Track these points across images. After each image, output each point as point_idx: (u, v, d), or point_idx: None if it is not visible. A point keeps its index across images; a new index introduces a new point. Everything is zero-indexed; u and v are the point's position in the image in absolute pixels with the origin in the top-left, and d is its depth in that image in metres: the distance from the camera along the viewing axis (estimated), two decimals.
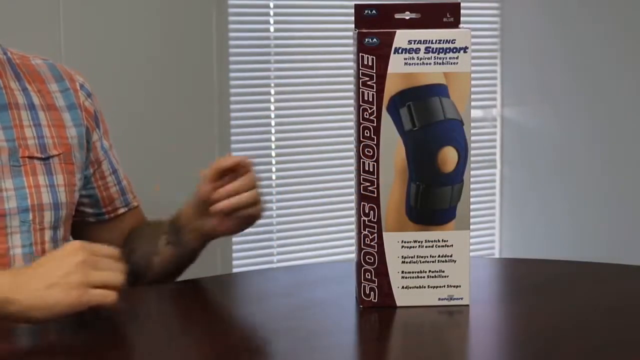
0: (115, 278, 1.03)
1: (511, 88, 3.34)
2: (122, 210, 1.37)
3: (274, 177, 2.91)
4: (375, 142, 1.07)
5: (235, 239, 2.86)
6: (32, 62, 1.30)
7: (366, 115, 1.07)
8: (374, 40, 1.06)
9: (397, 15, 1.09)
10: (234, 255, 2.84)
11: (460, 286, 1.10)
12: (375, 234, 1.09)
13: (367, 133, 1.07)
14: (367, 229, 1.08)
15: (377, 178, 1.08)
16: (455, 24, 1.11)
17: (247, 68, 2.86)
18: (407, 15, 1.09)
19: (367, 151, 1.07)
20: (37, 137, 1.23)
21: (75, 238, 1.34)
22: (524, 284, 1.25)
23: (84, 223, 1.35)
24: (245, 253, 2.91)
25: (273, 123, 2.93)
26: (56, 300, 0.98)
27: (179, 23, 2.61)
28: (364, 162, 1.08)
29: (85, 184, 1.32)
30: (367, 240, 1.09)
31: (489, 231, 3.38)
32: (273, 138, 2.91)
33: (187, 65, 2.64)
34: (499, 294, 1.25)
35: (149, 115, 2.47)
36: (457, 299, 1.10)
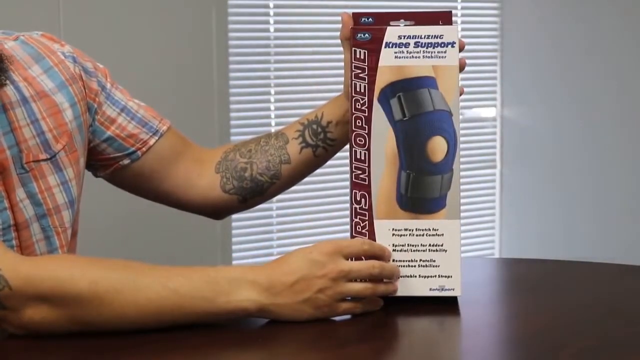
0: (366, 290, 1.05)
1: (511, 88, 3.34)
2: (152, 141, 1.30)
3: None
4: (366, 132, 1.11)
5: (235, 238, 2.87)
6: (6, 47, 1.19)
7: (358, 105, 1.11)
8: (366, 35, 1.11)
9: (392, 23, 1.14)
10: (234, 255, 2.85)
11: (451, 276, 1.11)
12: (367, 221, 1.11)
13: (359, 123, 1.11)
14: (358, 217, 1.11)
15: (369, 166, 1.11)
16: None
17: (247, 68, 2.87)
18: (402, 23, 1.14)
19: (359, 140, 1.11)
20: (37, 135, 1.17)
21: (125, 185, 1.33)
22: (523, 284, 1.25)
23: (122, 168, 1.29)
24: (245, 253, 2.92)
25: (273, 123, 2.93)
26: (307, 315, 1.03)
27: (179, 23, 2.61)
28: (356, 151, 1.11)
29: (94, 131, 1.27)
30: (359, 228, 1.11)
31: (489, 231, 3.38)
32: None
33: (187, 65, 2.64)
34: (498, 294, 1.25)
35: None
36: (449, 289, 1.11)
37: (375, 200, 1.11)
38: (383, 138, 1.11)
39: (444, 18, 1.15)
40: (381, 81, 1.11)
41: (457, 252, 1.12)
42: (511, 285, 1.28)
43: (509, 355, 0.99)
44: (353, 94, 1.11)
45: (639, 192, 3.04)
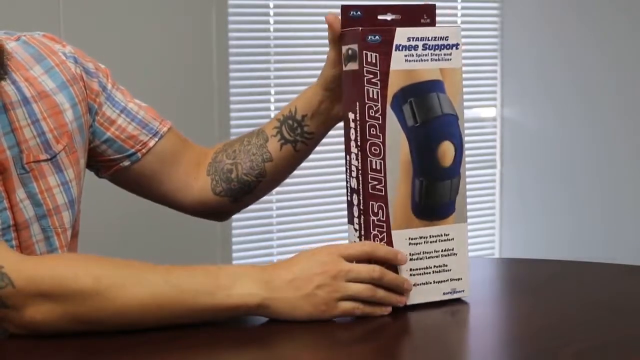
0: (365, 291, 1.04)
1: (511, 88, 3.34)
2: (152, 142, 1.30)
3: None
4: (381, 140, 1.06)
5: (235, 238, 2.87)
6: (7, 47, 1.18)
7: (372, 112, 1.06)
8: (377, 37, 1.06)
9: (379, 16, 1.11)
10: (234, 255, 2.85)
11: (461, 279, 1.10)
12: (385, 233, 1.07)
13: (373, 131, 1.06)
14: (376, 229, 1.07)
15: (385, 176, 1.06)
16: (431, 24, 1.13)
17: (247, 68, 2.87)
18: (389, 17, 1.12)
19: (374, 149, 1.06)
20: (37, 136, 1.17)
21: (128, 186, 1.33)
22: (524, 284, 1.25)
23: (123, 169, 1.29)
24: (245, 253, 2.92)
25: None
26: (304, 313, 1.02)
27: (179, 23, 2.61)
28: (371, 161, 1.06)
29: (94, 131, 1.27)
30: (377, 241, 1.07)
31: (489, 231, 3.38)
32: None
33: (187, 65, 2.64)
34: (498, 294, 1.25)
35: None
36: (459, 291, 1.11)
37: (392, 210, 1.07)
38: (397, 145, 1.06)
39: (428, 11, 1.12)
40: (393, 86, 1.06)
41: (466, 254, 1.11)
42: (511, 285, 1.28)
43: (509, 355, 0.99)
44: (366, 101, 1.05)
45: (639, 191, 3.04)
